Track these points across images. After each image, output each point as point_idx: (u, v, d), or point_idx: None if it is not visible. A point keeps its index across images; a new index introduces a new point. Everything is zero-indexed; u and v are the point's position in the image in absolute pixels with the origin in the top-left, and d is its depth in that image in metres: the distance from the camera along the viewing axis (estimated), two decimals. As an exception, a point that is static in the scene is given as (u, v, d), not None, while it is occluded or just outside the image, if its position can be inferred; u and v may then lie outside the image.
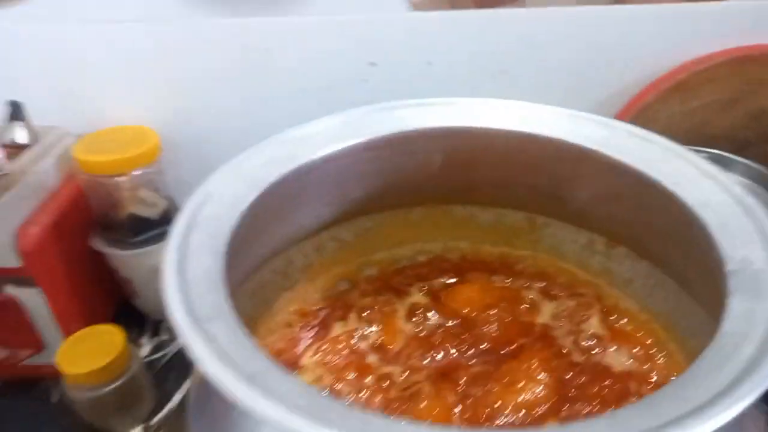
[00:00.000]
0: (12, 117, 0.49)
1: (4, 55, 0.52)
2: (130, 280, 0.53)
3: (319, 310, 0.36)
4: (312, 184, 0.33)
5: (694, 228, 0.25)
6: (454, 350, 0.33)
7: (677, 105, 0.47)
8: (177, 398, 0.48)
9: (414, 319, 0.35)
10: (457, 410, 0.29)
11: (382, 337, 0.34)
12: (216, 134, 0.56)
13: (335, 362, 0.33)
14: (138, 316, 0.56)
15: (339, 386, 0.32)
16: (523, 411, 0.29)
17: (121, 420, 0.45)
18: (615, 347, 0.32)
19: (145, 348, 0.53)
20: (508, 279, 0.37)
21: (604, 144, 0.30)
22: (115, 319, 0.55)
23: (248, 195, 0.29)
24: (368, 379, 0.32)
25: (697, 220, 0.25)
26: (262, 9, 0.50)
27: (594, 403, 0.28)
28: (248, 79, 0.53)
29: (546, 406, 0.29)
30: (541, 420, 0.28)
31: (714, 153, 0.43)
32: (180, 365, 0.51)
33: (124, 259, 0.51)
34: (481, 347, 0.33)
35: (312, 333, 0.35)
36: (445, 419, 0.29)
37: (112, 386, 0.43)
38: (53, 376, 0.48)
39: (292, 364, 0.33)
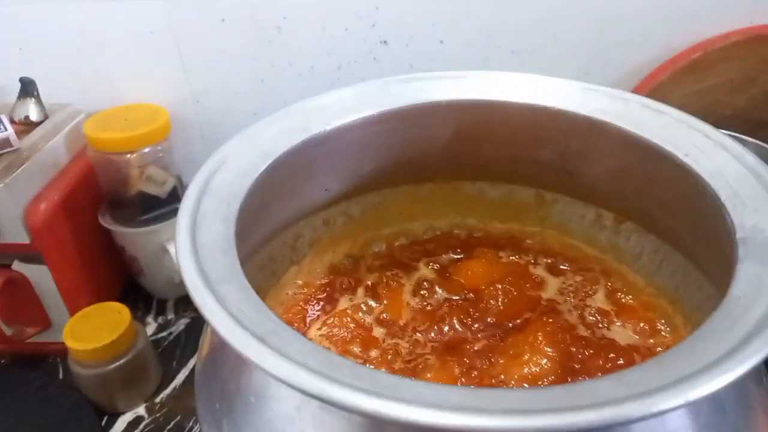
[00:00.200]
0: (24, 94, 0.49)
1: (18, 33, 0.52)
2: (136, 259, 0.53)
3: (327, 284, 0.36)
4: (323, 155, 0.33)
5: (705, 198, 0.25)
6: (459, 324, 0.33)
7: (691, 84, 0.46)
8: (182, 377, 0.49)
9: (421, 293, 0.35)
10: (461, 382, 0.30)
11: (389, 311, 0.35)
12: (226, 114, 0.56)
13: (341, 335, 0.33)
14: (144, 294, 0.56)
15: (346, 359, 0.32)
16: (528, 383, 0.29)
17: (126, 397, 0.46)
18: (620, 322, 0.32)
19: (151, 326, 0.53)
20: (515, 255, 0.37)
21: (617, 116, 0.30)
22: (121, 297, 0.55)
23: (260, 164, 0.29)
24: (374, 352, 0.32)
25: (708, 190, 0.25)
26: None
27: (599, 376, 0.28)
28: (260, 58, 0.53)
29: (550, 378, 0.29)
30: (547, 391, 0.28)
31: (726, 133, 0.42)
32: (185, 344, 0.52)
33: (132, 236, 0.52)
34: (487, 321, 0.33)
35: (319, 306, 0.35)
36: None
37: (118, 363, 0.44)
38: (60, 353, 0.49)
39: (300, 337, 0.33)
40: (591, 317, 0.33)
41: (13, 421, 0.44)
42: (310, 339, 0.33)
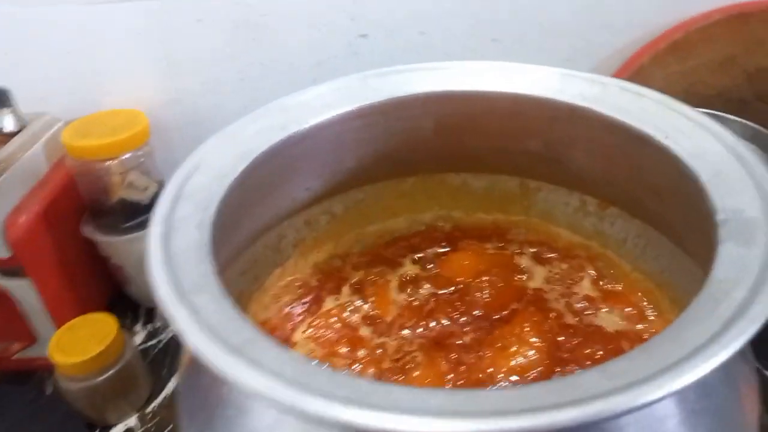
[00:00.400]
0: (-1, 104, 0.48)
1: (-10, 41, 0.51)
2: (122, 267, 0.52)
3: (312, 285, 0.36)
4: (304, 153, 0.32)
5: (687, 180, 0.25)
6: (447, 318, 0.33)
7: (673, 65, 0.46)
8: (172, 385, 0.48)
9: (407, 289, 0.35)
10: (450, 377, 0.29)
11: (375, 309, 0.34)
12: (208, 115, 0.55)
13: (327, 336, 0.33)
14: (131, 303, 0.55)
15: (332, 360, 0.31)
16: (516, 375, 0.29)
17: (117, 408, 0.45)
18: (607, 308, 0.32)
19: (140, 335, 0.53)
20: (501, 245, 0.37)
21: (596, 101, 0.29)
22: (108, 307, 0.54)
23: (238, 165, 0.28)
24: (361, 352, 0.32)
25: (689, 172, 0.24)
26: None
27: (587, 364, 0.28)
28: (239, 57, 0.52)
29: (539, 370, 0.28)
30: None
31: (708, 113, 0.42)
32: (175, 352, 0.51)
33: (116, 245, 0.51)
34: (474, 314, 0.33)
35: (305, 308, 0.35)
36: (439, 387, 0.29)
37: (106, 375, 0.43)
38: (47, 367, 0.47)
39: (285, 341, 0.33)
40: (578, 304, 0.33)
41: (2, 437, 0.43)
42: (296, 342, 0.33)
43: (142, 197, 0.51)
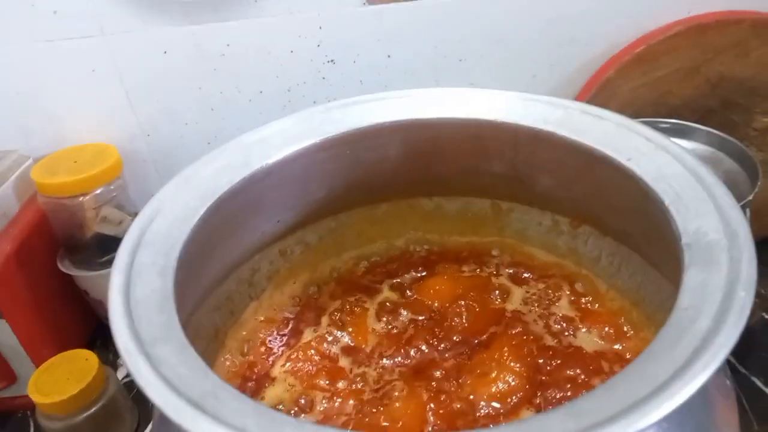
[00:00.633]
0: (-37, 145, 0.48)
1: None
2: (101, 301, 0.52)
3: (289, 317, 0.36)
4: (270, 188, 0.32)
5: (651, 202, 0.25)
6: (426, 345, 0.32)
7: (638, 78, 0.47)
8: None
9: (385, 318, 0.35)
10: (431, 407, 0.29)
11: (354, 339, 0.34)
12: (179, 146, 0.55)
13: (306, 370, 0.32)
14: (114, 336, 0.54)
15: (312, 394, 0.31)
16: (497, 402, 0.28)
17: (103, 445, 0.44)
18: (585, 328, 0.32)
19: (124, 369, 0.52)
20: (477, 267, 0.37)
21: (559, 124, 0.29)
22: (90, 342, 0.54)
23: (200, 207, 0.28)
24: (341, 383, 0.31)
25: (652, 194, 0.25)
26: (215, 15, 0.49)
27: (567, 387, 0.28)
28: (207, 87, 0.52)
29: (519, 395, 0.28)
30: (515, 410, 0.28)
31: (675, 123, 0.42)
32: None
33: (93, 279, 0.50)
34: (453, 339, 0.32)
35: (282, 341, 0.34)
36: (419, 417, 0.28)
37: (88, 413, 0.42)
38: (29, 406, 0.47)
39: (264, 376, 0.33)
40: (556, 325, 0.33)
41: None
42: (275, 377, 0.33)
43: (118, 230, 0.50)
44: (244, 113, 0.53)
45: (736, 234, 0.21)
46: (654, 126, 0.28)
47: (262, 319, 0.35)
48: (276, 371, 0.33)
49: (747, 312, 0.19)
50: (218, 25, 0.49)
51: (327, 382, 0.32)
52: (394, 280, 0.37)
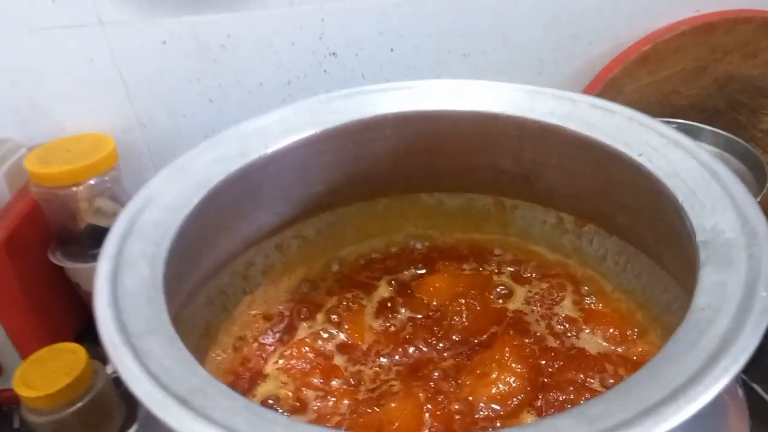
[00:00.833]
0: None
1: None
2: (91, 294, 0.50)
3: (284, 312, 0.34)
4: (268, 180, 0.31)
5: (663, 199, 0.24)
6: (424, 344, 0.31)
7: (645, 77, 0.46)
8: (148, 414, 0.46)
9: (383, 315, 0.34)
10: (428, 408, 0.28)
11: (350, 336, 0.33)
12: (177, 138, 0.54)
13: (300, 367, 0.31)
14: (105, 330, 0.53)
15: (305, 392, 0.30)
16: (497, 404, 0.27)
17: (90, 441, 0.43)
18: (589, 329, 0.31)
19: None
20: (478, 266, 0.36)
21: (567, 118, 0.28)
22: (81, 335, 0.53)
23: (194, 196, 0.27)
24: (335, 382, 0.30)
25: (665, 191, 0.24)
26: (215, 6, 0.48)
27: (569, 390, 0.27)
28: (206, 79, 0.51)
29: (520, 397, 0.27)
30: (515, 412, 0.27)
31: (682, 123, 0.42)
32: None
33: (85, 272, 0.49)
34: (452, 338, 0.31)
35: (276, 337, 0.33)
36: (416, 418, 0.27)
37: (75, 407, 0.41)
38: (15, 400, 0.46)
39: (257, 373, 0.31)
40: (559, 326, 0.32)
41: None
42: (267, 375, 0.32)
43: (111, 223, 0.49)
44: (244, 106, 0.52)
45: (755, 232, 0.20)
46: (661, 125, 0.27)
47: (256, 314, 0.34)
48: (269, 368, 0.32)
49: (768, 313, 0.18)
50: (219, 16, 0.49)
51: (321, 380, 0.31)
52: (393, 277, 0.36)
